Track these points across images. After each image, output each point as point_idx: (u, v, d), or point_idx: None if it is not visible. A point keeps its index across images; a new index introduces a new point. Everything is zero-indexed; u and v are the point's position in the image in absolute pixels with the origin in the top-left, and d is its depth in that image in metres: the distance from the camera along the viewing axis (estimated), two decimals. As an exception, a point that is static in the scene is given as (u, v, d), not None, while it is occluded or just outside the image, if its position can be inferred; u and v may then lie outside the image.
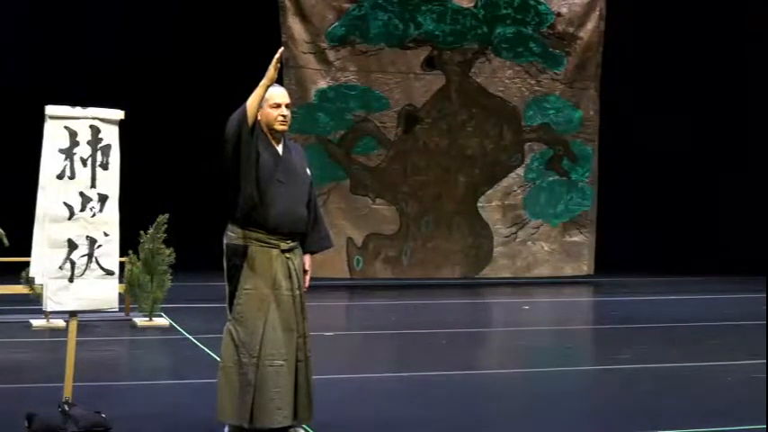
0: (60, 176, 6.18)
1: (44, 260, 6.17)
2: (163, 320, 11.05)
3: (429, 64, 16.02)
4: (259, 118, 5.78)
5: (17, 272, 10.27)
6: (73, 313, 6.35)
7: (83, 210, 6.21)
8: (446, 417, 6.88)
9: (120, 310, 10.20)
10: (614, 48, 16.73)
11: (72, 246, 6.18)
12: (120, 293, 6.65)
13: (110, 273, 6.30)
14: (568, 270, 16.68)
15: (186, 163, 16.13)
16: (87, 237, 6.21)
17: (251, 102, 5.67)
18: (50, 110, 6.25)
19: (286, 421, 5.77)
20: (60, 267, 6.16)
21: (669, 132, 18.56)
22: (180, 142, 16.33)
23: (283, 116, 5.87)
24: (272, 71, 5.66)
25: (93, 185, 6.24)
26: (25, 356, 9.28)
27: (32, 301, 10.30)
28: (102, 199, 6.27)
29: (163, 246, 10.92)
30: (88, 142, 6.26)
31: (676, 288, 15.73)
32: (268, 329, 5.74)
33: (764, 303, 12.16)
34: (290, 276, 5.83)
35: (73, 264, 6.19)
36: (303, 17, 15.41)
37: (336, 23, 15.57)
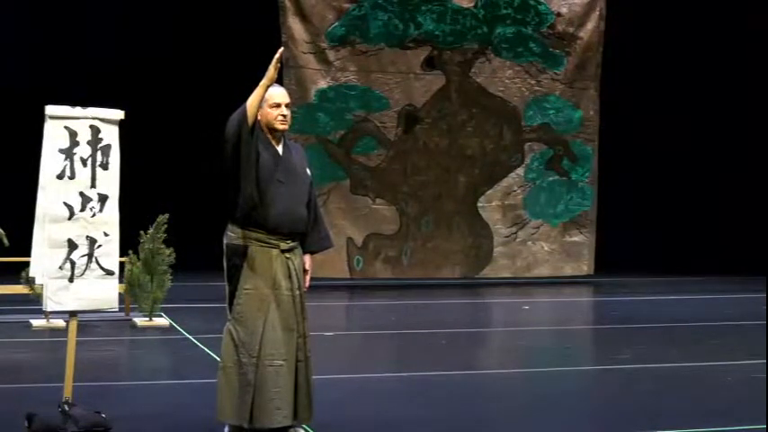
0: (60, 176, 6.18)
1: (44, 260, 6.17)
2: (163, 320, 11.05)
3: (429, 64, 16.01)
4: (259, 118, 5.78)
5: (17, 272, 10.28)
6: (73, 313, 6.35)
7: (83, 210, 6.21)
8: (446, 417, 6.88)
9: (120, 310, 10.20)
10: (614, 48, 16.72)
11: (72, 246, 6.18)
12: (120, 293, 6.65)
13: (110, 273, 6.30)
14: (568, 270, 16.67)
15: (186, 163, 16.13)
16: (87, 237, 6.21)
17: (251, 102, 5.67)
18: (50, 110, 6.25)
19: (286, 421, 5.77)
20: (60, 267, 6.16)
21: (669, 132, 18.55)
22: (180, 142, 16.32)
23: (283, 116, 5.86)
24: (271, 71, 5.66)
25: (93, 185, 6.24)
26: (25, 356, 9.28)
27: (32, 301, 10.30)
28: (102, 199, 6.27)
29: (163, 246, 10.93)
30: (88, 142, 6.26)
31: (676, 288, 15.72)
32: (268, 329, 5.74)
33: (764, 303, 12.15)
34: (289, 276, 5.83)
35: (73, 264, 6.19)
36: (303, 17, 15.40)
37: (336, 23, 15.57)
